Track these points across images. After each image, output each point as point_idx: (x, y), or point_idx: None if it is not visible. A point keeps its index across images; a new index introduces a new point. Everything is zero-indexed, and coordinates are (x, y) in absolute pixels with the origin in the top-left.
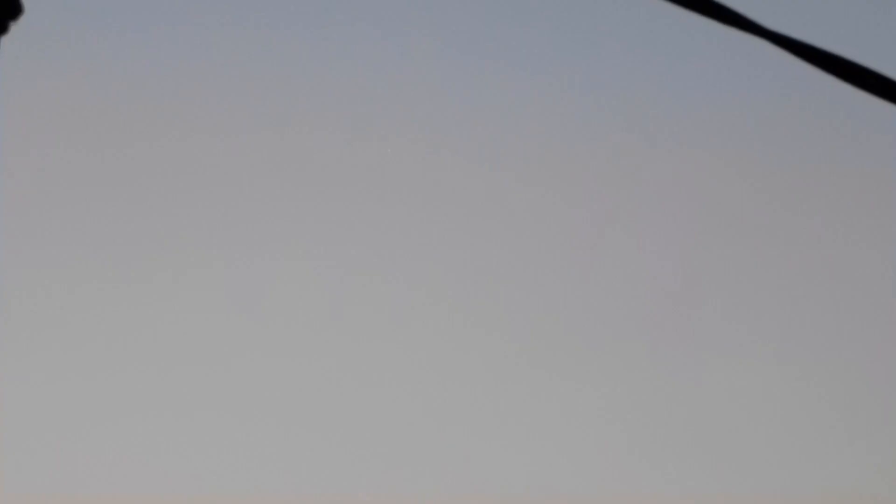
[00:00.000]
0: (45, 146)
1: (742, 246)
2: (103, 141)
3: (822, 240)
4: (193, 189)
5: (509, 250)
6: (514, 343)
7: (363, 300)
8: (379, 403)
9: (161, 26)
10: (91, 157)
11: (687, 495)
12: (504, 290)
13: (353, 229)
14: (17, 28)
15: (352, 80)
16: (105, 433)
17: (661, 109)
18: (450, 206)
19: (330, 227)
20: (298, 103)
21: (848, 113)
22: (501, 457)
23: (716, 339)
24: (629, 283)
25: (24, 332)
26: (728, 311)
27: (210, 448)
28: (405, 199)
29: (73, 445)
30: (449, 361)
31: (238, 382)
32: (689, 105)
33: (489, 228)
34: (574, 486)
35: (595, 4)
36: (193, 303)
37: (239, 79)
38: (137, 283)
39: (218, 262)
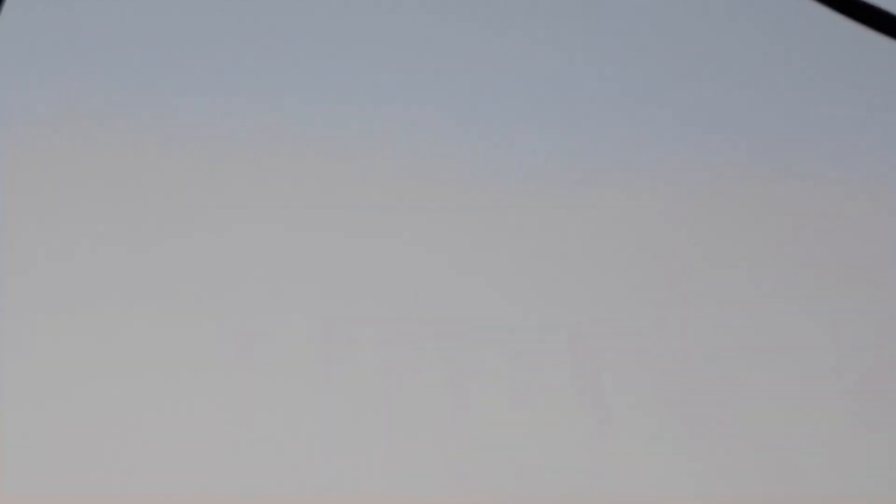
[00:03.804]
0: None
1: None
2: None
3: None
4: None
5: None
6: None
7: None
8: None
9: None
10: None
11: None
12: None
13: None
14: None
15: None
16: (106, 433)
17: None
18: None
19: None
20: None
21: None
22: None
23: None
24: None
25: (24, 332)
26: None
27: (211, 449)
28: (396, 205)
29: (73, 445)
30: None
31: (237, 383)
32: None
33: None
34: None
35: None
36: (196, 304)
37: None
38: (138, 283)
39: (215, 271)
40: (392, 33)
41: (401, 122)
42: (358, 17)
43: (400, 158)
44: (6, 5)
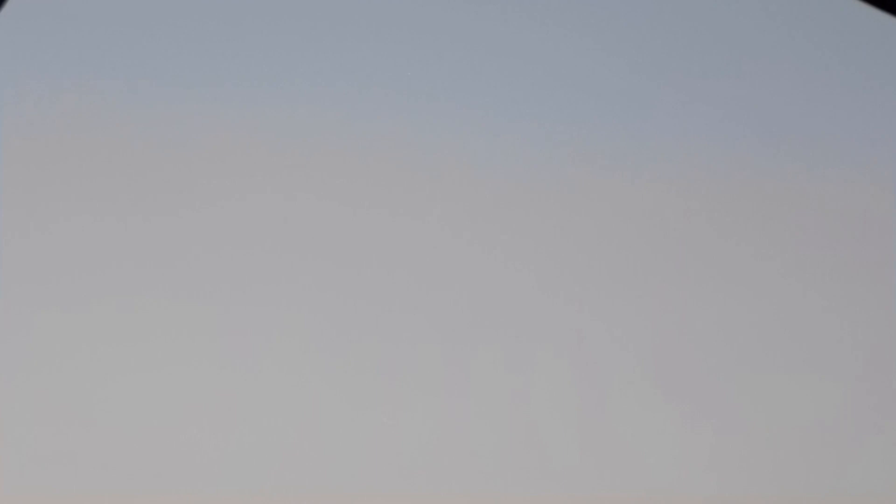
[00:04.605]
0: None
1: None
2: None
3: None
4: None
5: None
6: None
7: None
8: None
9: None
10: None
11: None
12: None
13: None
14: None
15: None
16: (106, 432)
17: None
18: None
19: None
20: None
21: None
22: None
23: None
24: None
25: (23, 330)
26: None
27: (212, 448)
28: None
29: (73, 444)
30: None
31: (238, 380)
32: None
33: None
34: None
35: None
36: (197, 302)
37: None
38: (138, 280)
39: (216, 271)
40: (396, 25)
41: (404, 116)
42: (361, 11)
43: (403, 152)
44: (7, 4)
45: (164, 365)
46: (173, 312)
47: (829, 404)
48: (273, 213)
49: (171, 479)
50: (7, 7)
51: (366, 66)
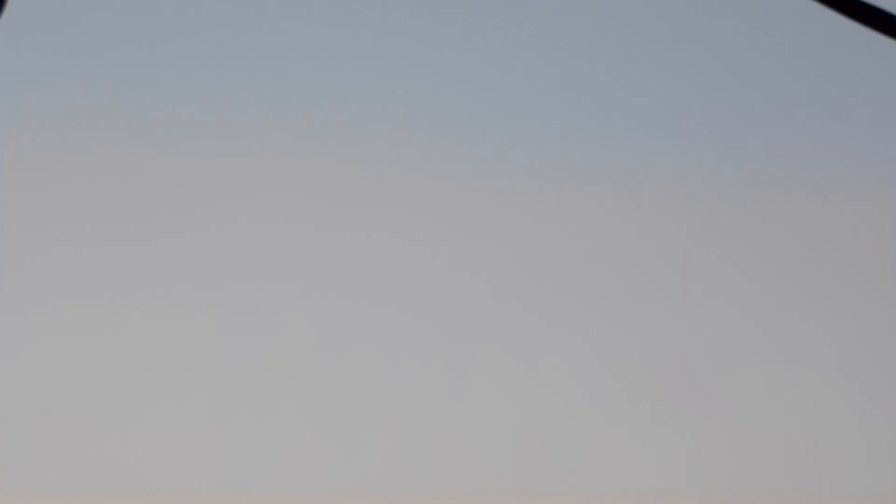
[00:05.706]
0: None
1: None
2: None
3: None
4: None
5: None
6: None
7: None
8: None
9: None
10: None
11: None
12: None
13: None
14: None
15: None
16: (106, 431)
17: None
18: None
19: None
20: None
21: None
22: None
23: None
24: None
25: (23, 331)
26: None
27: (212, 447)
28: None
29: (73, 444)
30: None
31: (236, 382)
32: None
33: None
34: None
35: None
36: (197, 301)
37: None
38: (137, 282)
39: (219, 269)
40: (389, 31)
41: (399, 120)
42: (355, 16)
43: (397, 157)
44: (7, 6)
45: (162, 366)
46: (173, 314)
47: (828, 405)
48: (271, 215)
49: (172, 479)
50: (6, 10)
51: (365, 78)
